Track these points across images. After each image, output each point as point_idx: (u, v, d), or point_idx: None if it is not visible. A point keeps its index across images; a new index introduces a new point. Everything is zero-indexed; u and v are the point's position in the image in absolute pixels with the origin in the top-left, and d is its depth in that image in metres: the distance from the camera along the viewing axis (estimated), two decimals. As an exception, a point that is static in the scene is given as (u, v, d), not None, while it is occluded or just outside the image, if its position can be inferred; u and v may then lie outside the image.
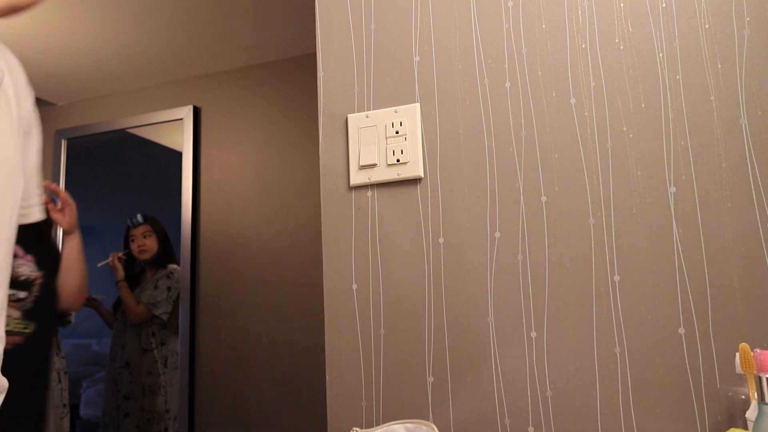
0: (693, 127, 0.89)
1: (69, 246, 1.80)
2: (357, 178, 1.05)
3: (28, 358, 1.47)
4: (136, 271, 2.89)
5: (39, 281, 1.52)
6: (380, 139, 1.04)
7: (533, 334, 0.92)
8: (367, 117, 1.06)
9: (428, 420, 0.94)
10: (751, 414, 0.74)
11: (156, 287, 2.79)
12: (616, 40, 0.94)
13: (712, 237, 0.86)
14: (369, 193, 1.05)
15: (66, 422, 2.23)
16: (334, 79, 1.11)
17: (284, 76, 2.62)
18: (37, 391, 1.49)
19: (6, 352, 1.23)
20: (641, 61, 0.93)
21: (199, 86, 2.77)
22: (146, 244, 2.83)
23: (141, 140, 2.90)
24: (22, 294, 1.47)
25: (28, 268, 1.52)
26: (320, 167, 1.09)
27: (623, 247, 0.90)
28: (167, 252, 2.92)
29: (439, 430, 0.89)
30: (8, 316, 1.41)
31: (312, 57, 2.58)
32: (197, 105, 2.75)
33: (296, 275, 2.59)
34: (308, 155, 2.28)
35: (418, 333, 0.98)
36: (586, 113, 0.94)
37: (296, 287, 2.60)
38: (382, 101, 1.06)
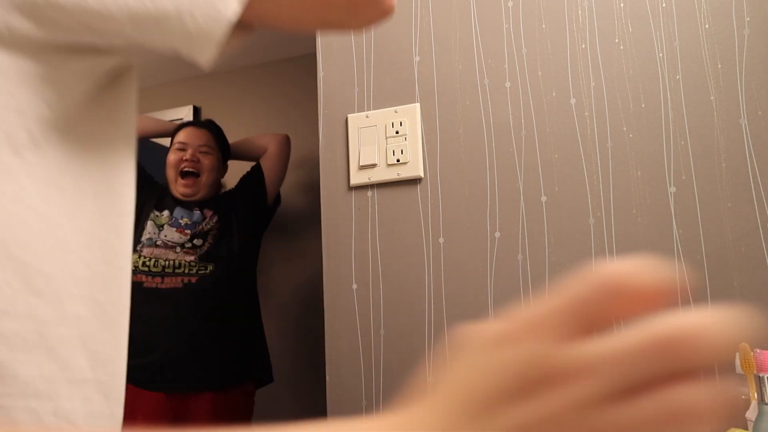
0: (693, 127, 0.89)
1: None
2: (357, 178, 1.05)
3: (211, 293, 1.74)
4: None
5: (215, 231, 1.82)
6: (380, 139, 1.04)
7: (533, 334, 0.92)
8: (367, 117, 1.06)
9: (428, 420, 0.94)
10: (751, 414, 0.74)
11: None
12: (616, 40, 0.94)
13: (712, 237, 0.86)
14: (369, 193, 1.05)
15: None
16: (334, 79, 1.11)
17: (284, 76, 2.62)
18: (230, 322, 1.78)
19: (182, 288, 1.69)
20: (641, 61, 0.93)
21: (199, 86, 2.77)
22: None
23: (141, 140, 2.90)
24: (197, 242, 1.78)
25: (210, 225, 1.83)
26: (320, 167, 1.09)
27: (623, 247, 0.90)
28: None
29: (439, 430, 0.89)
30: (184, 261, 1.74)
31: (312, 57, 2.58)
32: (197, 105, 2.75)
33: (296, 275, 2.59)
34: (309, 155, 2.29)
35: (418, 332, 0.98)
36: (586, 113, 0.94)
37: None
38: (382, 101, 1.06)
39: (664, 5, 0.93)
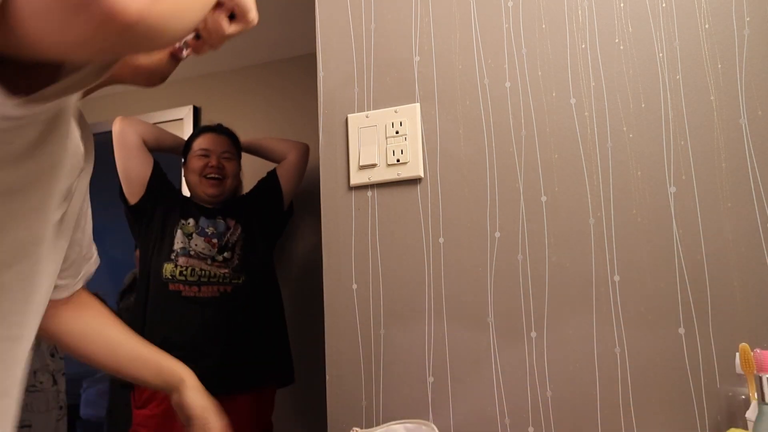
0: (693, 127, 0.89)
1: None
2: (357, 178, 1.05)
3: (245, 301, 1.83)
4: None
5: (241, 242, 1.88)
6: (380, 139, 1.04)
7: (533, 334, 0.92)
8: (367, 117, 1.06)
9: (428, 420, 0.94)
10: (751, 414, 0.74)
11: None
12: (616, 40, 0.94)
13: (712, 237, 0.86)
14: (369, 193, 1.05)
15: (63, 424, 2.22)
16: (334, 79, 1.11)
17: (284, 76, 2.62)
18: (262, 327, 1.87)
19: (219, 297, 1.77)
20: (641, 61, 0.93)
21: (199, 86, 2.77)
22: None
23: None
24: (227, 254, 1.84)
25: (236, 236, 1.88)
26: (320, 167, 1.09)
27: (623, 247, 0.90)
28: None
29: (439, 430, 0.89)
30: (219, 273, 1.81)
31: (312, 57, 2.57)
32: (197, 105, 2.75)
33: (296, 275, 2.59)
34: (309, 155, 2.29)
35: (418, 332, 0.98)
36: (586, 113, 0.94)
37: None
38: (382, 101, 1.06)
39: (664, 5, 0.93)
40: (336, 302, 1.04)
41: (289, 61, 2.64)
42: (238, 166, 1.98)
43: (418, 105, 1.03)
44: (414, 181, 1.02)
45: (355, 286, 1.03)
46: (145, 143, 1.91)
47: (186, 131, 2.73)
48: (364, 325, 1.01)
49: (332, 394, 1.01)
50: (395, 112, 1.04)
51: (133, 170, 1.87)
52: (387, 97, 1.06)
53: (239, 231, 1.90)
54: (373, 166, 1.04)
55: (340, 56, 1.10)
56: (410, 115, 1.03)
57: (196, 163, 1.90)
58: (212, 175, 1.88)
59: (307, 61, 2.53)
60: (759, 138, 0.86)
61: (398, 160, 1.02)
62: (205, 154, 1.91)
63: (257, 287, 1.87)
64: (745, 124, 0.86)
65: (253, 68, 2.71)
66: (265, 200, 2.02)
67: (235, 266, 1.84)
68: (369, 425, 0.98)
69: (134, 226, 1.93)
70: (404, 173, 1.02)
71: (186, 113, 2.77)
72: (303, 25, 2.34)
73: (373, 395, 0.99)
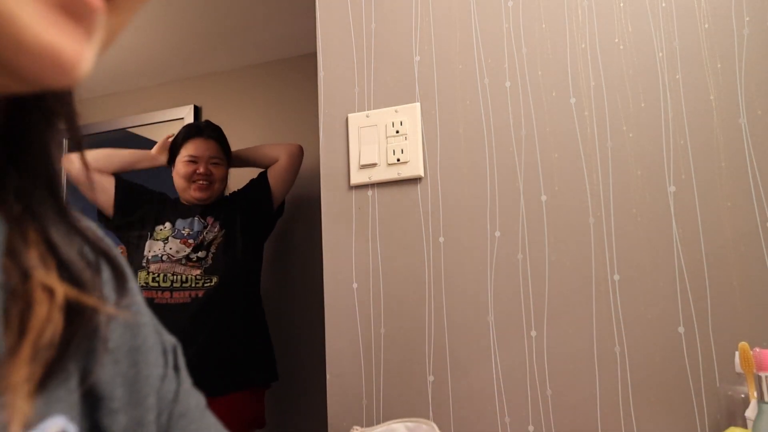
0: (693, 127, 0.89)
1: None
2: (357, 177, 1.05)
3: (217, 304, 1.79)
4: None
5: (218, 241, 1.85)
6: (380, 138, 1.04)
7: (533, 333, 0.92)
8: (367, 116, 1.06)
9: (429, 419, 0.95)
10: (750, 413, 0.74)
11: None
12: (616, 40, 0.94)
13: (711, 236, 0.86)
14: (369, 192, 1.05)
15: None
16: (334, 79, 1.11)
17: (284, 76, 2.62)
18: (236, 329, 1.84)
19: (191, 303, 1.73)
20: (641, 61, 0.93)
21: (200, 86, 2.77)
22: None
23: (142, 139, 2.90)
24: (201, 254, 1.81)
25: (212, 234, 1.86)
26: (320, 167, 1.10)
27: (623, 246, 0.90)
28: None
29: (439, 428, 0.90)
30: (191, 276, 1.77)
31: (312, 57, 2.58)
32: (198, 105, 2.75)
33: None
34: (308, 155, 2.29)
35: (418, 332, 0.98)
36: (586, 113, 0.95)
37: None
38: (383, 101, 1.06)
39: (663, 5, 0.93)
40: (336, 301, 1.04)
41: (289, 61, 2.65)
42: (226, 170, 2.00)
43: (418, 104, 1.03)
44: (414, 181, 1.02)
45: (355, 286, 1.03)
46: (98, 170, 1.93)
47: (186, 131, 2.73)
48: (364, 324, 1.01)
49: (332, 393, 1.01)
50: (395, 111, 1.04)
51: (97, 199, 1.92)
52: (387, 96, 1.06)
53: (217, 228, 1.89)
54: (374, 165, 1.04)
55: (340, 56, 1.11)
56: (410, 115, 1.03)
57: (183, 168, 1.91)
58: (200, 181, 1.90)
59: (307, 61, 2.53)
60: (758, 137, 0.86)
61: (398, 160, 1.02)
62: (194, 160, 1.91)
63: (229, 288, 1.84)
64: (744, 124, 0.87)
65: (253, 68, 2.71)
66: (253, 200, 2.01)
67: (207, 266, 1.82)
68: (369, 424, 0.98)
69: (121, 241, 1.97)
70: (404, 173, 1.02)
71: (186, 113, 2.77)
72: (303, 25, 2.34)
73: (374, 394, 0.99)
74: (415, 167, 1.02)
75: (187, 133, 1.98)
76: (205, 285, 1.80)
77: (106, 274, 0.31)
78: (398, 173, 1.02)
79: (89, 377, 0.28)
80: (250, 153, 2.12)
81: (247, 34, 2.45)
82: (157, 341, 0.36)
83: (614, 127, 0.93)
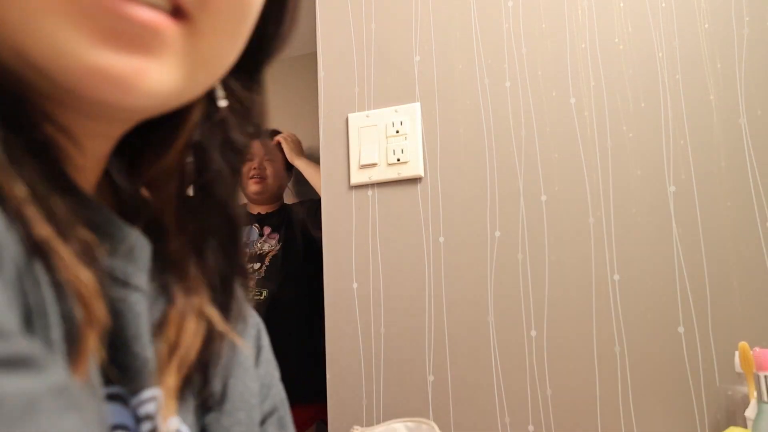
0: (693, 127, 0.89)
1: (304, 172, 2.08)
2: (357, 177, 1.05)
3: (266, 318, 1.72)
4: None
5: (273, 253, 1.85)
6: (380, 138, 1.04)
7: (533, 333, 0.92)
8: (367, 116, 1.06)
9: (429, 418, 0.95)
10: (750, 412, 0.74)
11: None
12: (616, 40, 0.94)
13: (711, 236, 0.86)
14: (369, 192, 1.05)
15: None
16: (334, 79, 1.11)
17: (284, 75, 2.62)
18: (285, 347, 1.76)
19: None
20: (641, 61, 0.93)
21: (200, 86, 2.77)
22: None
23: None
24: (256, 265, 1.80)
25: (269, 245, 1.87)
26: (321, 167, 1.10)
27: (623, 246, 0.90)
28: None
29: (439, 428, 0.90)
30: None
31: (312, 57, 2.57)
32: (197, 105, 2.76)
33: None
34: (309, 154, 2.29)
35: (418, 331, 0.98)
36: (586, 113, 0.95)
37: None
38: (383, 101, 1.06)
39: (663, 5, 0.93)
40: (337, 301, 1.04)
41: (289, 61, 2.65)
42: (282, 168, 2.04)
43: (418, 104, 1.03)
44: (414, 181, 1.02)
45: (355, 285, 1.03)
46: None
47: (186, 131, 2.74)
48: (365, 324, 1.01)
49: (332, 393, 1.01)
50: (395, 111, 1.04)
51: None
52: (387, 96, 1.06)
53: (275, 239, 1.88)
54: (374, 165, 1.04)
55: (340, 56, 1.11)
56: (410, 115, 1.03)
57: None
58: (255, 177, 1.96)
59: (308, 61, 2.53)
60: (758, 137, 0.86)
61: (398, 160, 1.02)
62: (250, 158, 1.97)
63: (280, 304, 1.77)
64: (744, 124, 0.87)
65: (253, 68, 2.71)
66: (311, 223, 1.97)
67: (259, 279, 1.79)
68: (369, 423, 0.98)
69: None
70: (404, 172, 1.02)
71: (186, 113, 2.77)
72: (303, 25, 2.34)
73: (374, 393, 0.99)
74: (415, 167, 1.02)
75: None
76: (255, 298, 1.77)
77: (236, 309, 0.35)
78: (398, 173, 1.02)
79: (207, 388, 0.32)
80: (313, 176, 2.04)
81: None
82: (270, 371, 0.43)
83: (614, 127, 0.93)
